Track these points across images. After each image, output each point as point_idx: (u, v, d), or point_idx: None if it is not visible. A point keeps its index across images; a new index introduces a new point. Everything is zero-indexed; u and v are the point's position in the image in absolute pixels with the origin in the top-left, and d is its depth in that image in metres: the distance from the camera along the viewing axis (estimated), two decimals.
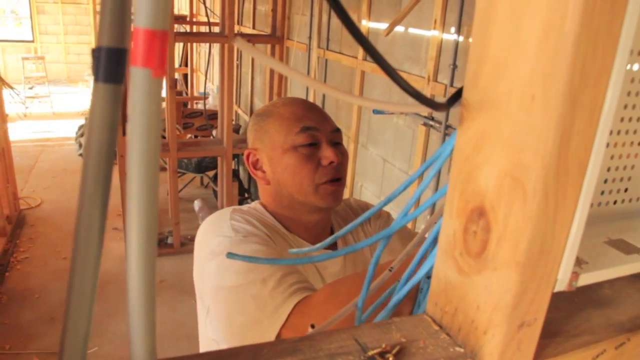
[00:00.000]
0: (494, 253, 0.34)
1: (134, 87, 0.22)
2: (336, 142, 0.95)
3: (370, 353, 0.35)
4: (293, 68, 0.27)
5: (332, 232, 1.04)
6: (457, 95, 0.36)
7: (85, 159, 0.24)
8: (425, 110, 0.32)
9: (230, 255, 0.54)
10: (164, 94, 3.78)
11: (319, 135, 0.92)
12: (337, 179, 0.93)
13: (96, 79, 0.24)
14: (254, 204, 1.00)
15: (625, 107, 0.45)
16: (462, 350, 0.37)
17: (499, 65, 0.33)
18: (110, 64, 0.24)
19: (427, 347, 0.37)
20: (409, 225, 2.27)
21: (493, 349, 0.35)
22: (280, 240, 0.93)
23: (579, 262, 0.38)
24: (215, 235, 0.86)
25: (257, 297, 0.75)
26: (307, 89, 3.59)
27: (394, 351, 0.36)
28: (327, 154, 0.91)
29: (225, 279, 0.79)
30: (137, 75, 0.22)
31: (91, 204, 0.25)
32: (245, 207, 0.99)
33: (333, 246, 1.00)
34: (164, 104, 4.83)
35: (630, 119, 0.46)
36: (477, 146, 0.35)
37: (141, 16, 0.22)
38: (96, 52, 0.24)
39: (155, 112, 0.23)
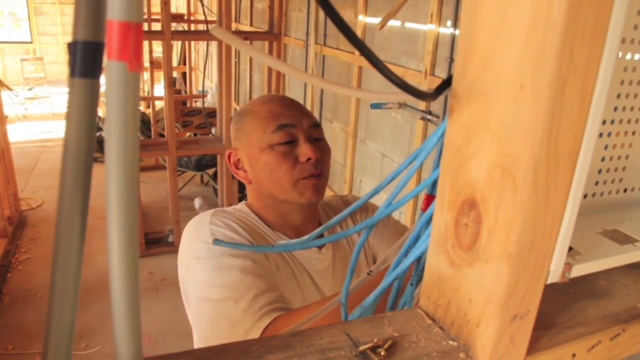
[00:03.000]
0: (485, 245, 0.34)
1: (109, 82, 0.22)
2: (316, 138, 0.94)
3: (362, 348, 0.35)
4: (271, 56, 0.27)
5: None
6: (444, 85, 0.35)
7: (64, 157, 0.24)
8: (407, 98, 0.32)
9: (217, 242, 0.54)
10: (162, 92, 3.76)
11: (295, 132, 0.91)
12: (317, 174, 0.91)
13: (72, 74, 0.23)
14: (240, 205, 1.00)
15: (619, 96, 0.45)
16: (455, 343, 0.37)
17: (487, 54, 0.32)
18: (87, 58, 0.23)
19: (420, 341, 0.37)
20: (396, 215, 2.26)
21: (486, 341, 0.35)
22: (262, 242, 0.92)
23: (572, 253, 0.38)
24: (195, 240, 0.86)
25: (229, 316, 0.75)
26: (305, 85, 3.58)
27: (386, 346, 0.35)
28: (304, 150, 0.90)
29: (201, 290, 0.79)
30: (112, 69, 0.22)
31: (71, 203, 0.24)
32: (230, 208, 0.98)
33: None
34: (161, 103, 4.82)
35: (624, 109, 0.46)
36: (467, 137, 0.35)
37: (115, 8, 0.21)
38: (72, 46, 0.23)
39: (132, 107, 0.22)
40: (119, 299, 0.25)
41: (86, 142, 0.24)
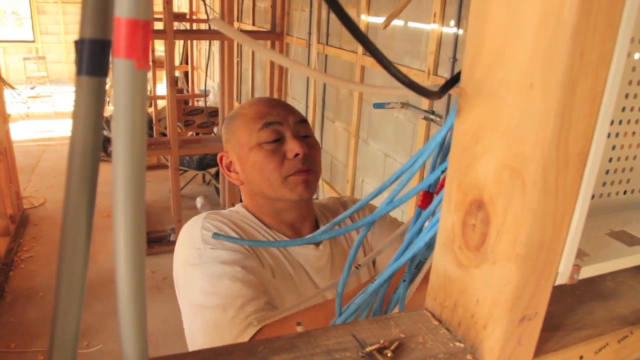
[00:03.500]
0: (493, 246, 0.34)
1: (116, 80, 0.22)
2: (304, 135, 0.94)
3: (369, 349, 0.34)
4: (271, 49, 0.26)
5: (316, 227, 1.03)
6: (450, 84, 0.35)
7: (70, 156, 0.24)
8: (411, 96, 0.31)
9: (216, 235, 0.55)
10: (164, 91, 3.76)
11: (282, 130, 0.92)
12: (306, 170, 0.92)
13: (79, 72, 0.23)
14: (237, 207, 1.00)
15: (627, 96, 0.44)
16: (462, 345, 0.37)
17: (496, 53, 0.32)
18: (94, 56, 0.23)
19: (427, 343, 0.37)
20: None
21: (493, 343, 0.34)
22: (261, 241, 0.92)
23: (580, 254, 0.37)
24: (188, 246, 0.86)
25: (218, 324, 0.76)
26: (307, 85, 3.57)
27: (393, 347, 0.35)
28: (291, 146, 0.90)
29: (194, 296, 0.80)
30: (119, 67, 0.21)
31: (77, 202, 0.24)
32: (226, 210, 0.98)
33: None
34: (163, 102, 4.82)
35: (632, 109, 0.45)
36: (475, 137, 0.34)
37: (122, 5, 0.21)
38: (79, 44, 0.23)
39: (140, 105, 0.22)
40: (126, 300, 0.25)
41: (93, 140, 0.24)
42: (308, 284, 0.93)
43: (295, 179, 0.91)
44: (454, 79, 0.36)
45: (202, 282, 0.80)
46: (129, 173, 0.23)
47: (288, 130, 0.92)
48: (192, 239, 0.86)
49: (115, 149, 0.23)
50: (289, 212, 0.96)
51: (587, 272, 0.36)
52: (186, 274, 0.83)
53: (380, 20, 2.57)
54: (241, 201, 1.03)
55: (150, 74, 5.72)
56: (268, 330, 0.72)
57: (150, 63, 5.55)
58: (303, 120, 0.96)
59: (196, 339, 0.80)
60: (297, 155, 0.90)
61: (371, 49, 0.27)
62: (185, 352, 0.33)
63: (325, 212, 1.07)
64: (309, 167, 0.92)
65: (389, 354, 0.34)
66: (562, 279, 0.35)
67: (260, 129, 0.91)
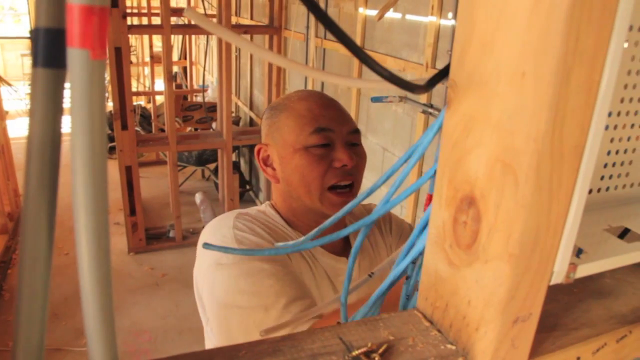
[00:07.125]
0: (485, 244, 0.32)
1: (71, 71, 0.20)
2: (353, 143, 0.90)
3: (355, 353, 0.33)
4: (245, 38, 0.25)
5: (347, 239, 0.99)
6: (438, 77, 0.34)
7: (28, 155, 0.22)
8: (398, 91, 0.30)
9: (207, 245, 0.52)
10: (162, 87, 3.74)
11: (334, 137, 0.87)
12: (349, 185, 0.88)
13: (35, 64, 0.21)
14: (264, 207, 0.96)
15: (625, 87, 0.43)
16: (453, 347, 0.35)
17: (487, 41, 0.30)
18: (50, 47, 0.21)
19: (417, 345, 0.35)
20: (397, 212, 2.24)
21: (486, 346, 0.33)
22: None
23: (576, 252, 0.36)
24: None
25: (260, 326, 0.72)
26: (306, 79, 3.55)
27: (381, 350, 0.34)
28: (340, 156, 0.86)
29: (229, 297, 0.76)
30: (74, 58, 0.20)
31: (37, 203, 0.22)
32: (253, 210, 0.94)
33: (347, 251, 0.96)
34: (162, 98, 4.78)
35: (630, 100, 0.44)
36: (465, 130, 0.33)
37: None
38: (34, 34, 0.21)
39: (98, 98, 0.20)
40: (91, 303, 0.24)
41: (52, 139, 0.22)
42: (331, 295, 0.89)
43: (334, 198, 0.86)
44: (442, 72, 0.34)
45: (238, 280, 0.76)
46: (89, 172, 0.21)
47: (339, 138, 0.88)
48: (222, 239, 0.82)
49: (72, 146, 0.21)
50: (322, 220, 0.90)
51: (583, 270, 0.35)
52: (217, 274, 0.79)
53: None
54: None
55: (148, 70, 5.69)
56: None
57: (149, 58, 5.50)
58: (356, 130, 0.91)
59: (237, 341, 0.77)
60: (344, 165, 0.86)
61: (346, 41, 0.25)
62: (164, 357, 0.32)
63: (352, 220, 1.02)
64: (353, 179, 0.88)
65: (376, 358, 0.33)
66: (558, 278, 0.33)
67: (311, 132, 0.86)
